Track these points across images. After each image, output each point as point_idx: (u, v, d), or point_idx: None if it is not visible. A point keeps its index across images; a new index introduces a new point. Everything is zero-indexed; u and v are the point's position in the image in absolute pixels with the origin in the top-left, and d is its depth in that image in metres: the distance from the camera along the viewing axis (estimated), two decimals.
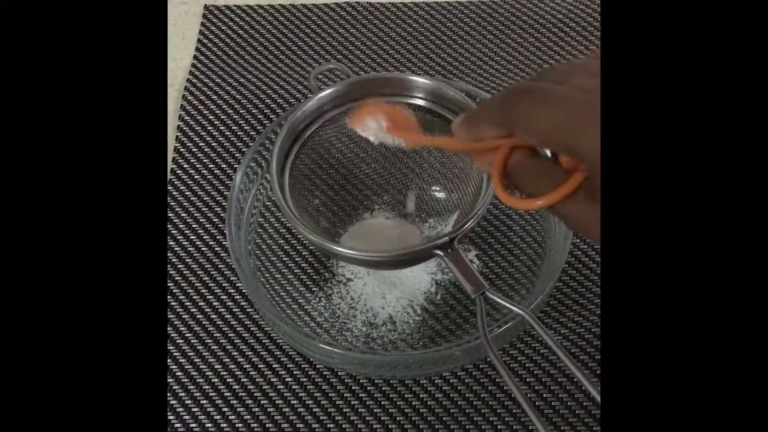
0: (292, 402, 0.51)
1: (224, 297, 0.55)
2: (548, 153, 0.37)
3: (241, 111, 0.64)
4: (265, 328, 0.54)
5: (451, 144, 0.42)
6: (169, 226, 0.58)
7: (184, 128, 0.63)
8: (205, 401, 0.51)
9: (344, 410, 0.51)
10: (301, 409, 0.51)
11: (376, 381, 0.52)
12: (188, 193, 0.60)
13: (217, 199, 0.60)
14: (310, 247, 0.56)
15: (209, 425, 0.50)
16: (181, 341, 0.53)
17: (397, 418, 0.50)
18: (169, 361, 0.53)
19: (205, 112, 0.64)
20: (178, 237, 0.58)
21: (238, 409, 0.51)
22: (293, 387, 0.52)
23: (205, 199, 0.60)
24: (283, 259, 0.56)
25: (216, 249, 0.57)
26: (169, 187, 0.60)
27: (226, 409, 0.51)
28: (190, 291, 0.55)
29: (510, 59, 0.67)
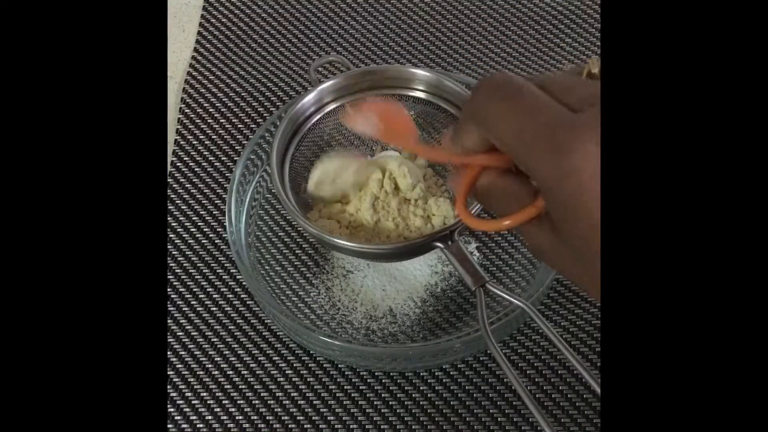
0: (292, 394, 0.51)
1: (224, 289, 0.55)
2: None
3: (241, 103, 0.64)
4: (266, 321, 0.54)
5: (439, 157, 0.38)
6: (169, 218, 0.58)
7: (185, 121, 0.63)
8: (205, 393, 0.51)
9: (344, 402, 0.51)
10: (302, 402, 0.51)
11: (376, 373, 0.52)
12: (188, 185, 0.60)
13: (218, 191, 0.60)
14: (310, 240, 0.56)
15: (209, 417, 0.51)
16: (181, 333, 0.53)
17: (397, 410, 0.51)
18: (169, 353, 0.53)
19: (205, 104, 0.64)
20: (179, 229, 0.58)
21: (239, 401, 0.51)
22: (293, 379, 0.52)
23: (205, 191, 0.60)
24: (284, 251, 0.56)
25: (216, 241, 0.57)
26: (169, 180, 0.60)
27: (226, 401, 0.51)
28: (191, 283, 0.55)
29: (510, 51, 0.67)
